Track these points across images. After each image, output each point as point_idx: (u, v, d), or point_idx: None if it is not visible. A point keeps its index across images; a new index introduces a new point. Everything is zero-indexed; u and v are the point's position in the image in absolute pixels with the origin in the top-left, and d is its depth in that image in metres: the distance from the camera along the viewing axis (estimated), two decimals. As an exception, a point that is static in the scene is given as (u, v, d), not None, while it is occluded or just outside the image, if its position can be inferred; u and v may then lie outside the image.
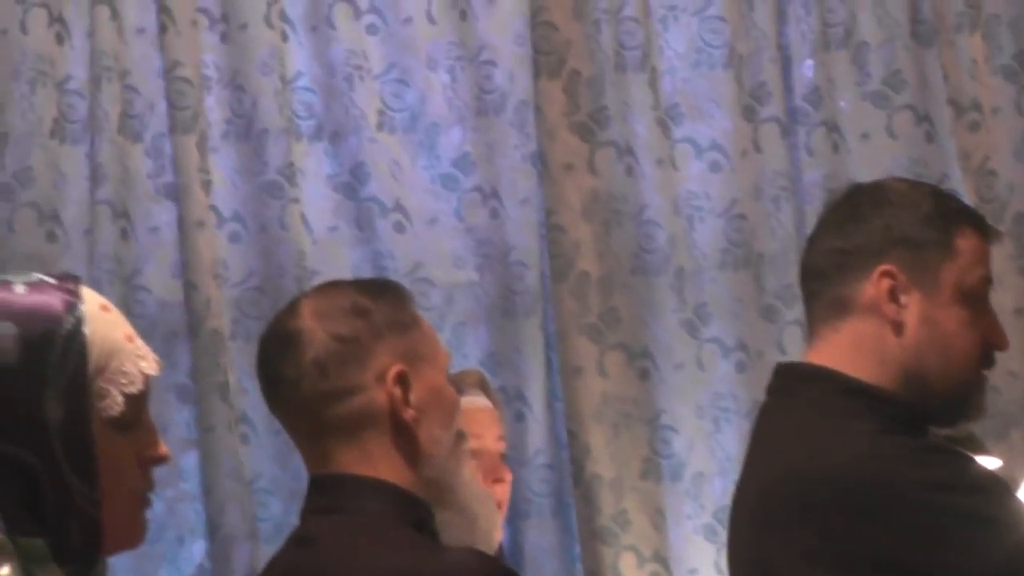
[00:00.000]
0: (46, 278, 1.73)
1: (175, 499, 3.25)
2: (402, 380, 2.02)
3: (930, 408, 2.18)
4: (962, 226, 2.23)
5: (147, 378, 1.73)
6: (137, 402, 1.71)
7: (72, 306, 1.71)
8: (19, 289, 1.71)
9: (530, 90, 3.65)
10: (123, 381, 1.71)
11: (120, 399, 1.69)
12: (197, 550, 3.43)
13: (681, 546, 3.41)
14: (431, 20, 3.61)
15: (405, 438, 2.04)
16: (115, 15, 3.35)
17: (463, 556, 1.99)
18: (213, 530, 3.33)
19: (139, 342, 1.75)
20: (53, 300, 1.72)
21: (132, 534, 1.74)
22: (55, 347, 1.67)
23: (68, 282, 1.74)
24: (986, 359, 2.20)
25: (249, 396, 3.19)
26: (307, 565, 2.02)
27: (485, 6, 3.60)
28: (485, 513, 2.18)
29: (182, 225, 3.24)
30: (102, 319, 1.73)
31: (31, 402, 1.66)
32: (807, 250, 2.30)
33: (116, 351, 1.72)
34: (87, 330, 1.70)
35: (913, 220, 2.22)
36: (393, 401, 2.01)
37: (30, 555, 1.64)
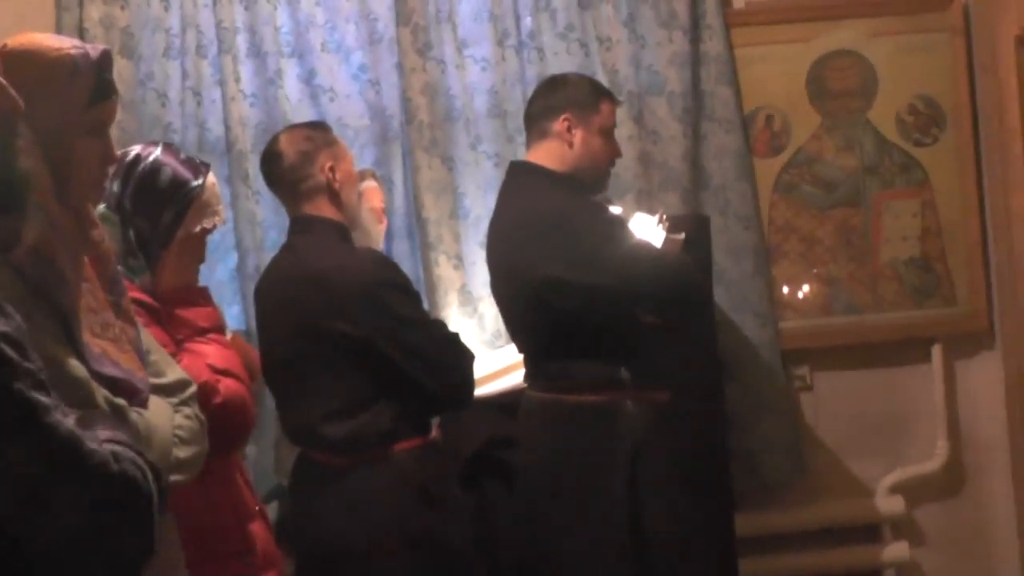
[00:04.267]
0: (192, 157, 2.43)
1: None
2: (332, 170, 2.71)
3: (586, 184, 3.04)
4: (604, 98, 3.07)
5: (214, 225, 2.38)
6: (203, 232, 2.38)
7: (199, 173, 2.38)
8: (182, 156, 2.43)
9: None
10: (205, 219, 2.37)
11: (198, 227, 2.35)
12: (229, 260, 4.07)
13: (469, 249, 4.09)
14: None
15: (335, 197, 2.72)
16: None
17: (368, 253, 2.70)
18: (242, 248, 3.98)
19: (221, 208, 2.39)
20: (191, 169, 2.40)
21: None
22: (188, 184, 2.38)
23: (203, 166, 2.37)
24: (612, 161, 3.13)
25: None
26: (290, 259, 2.72)
27: None
28: (375, 231, 3.01)
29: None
30: (212, 188, 2.37)
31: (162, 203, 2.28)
32: (528, 104, 3.20)
33: (209, 204, 2.35)
34: (204, 187, 2.35)
35: (581, 92, 3.06)
36: (328, 180, 2.71)
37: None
